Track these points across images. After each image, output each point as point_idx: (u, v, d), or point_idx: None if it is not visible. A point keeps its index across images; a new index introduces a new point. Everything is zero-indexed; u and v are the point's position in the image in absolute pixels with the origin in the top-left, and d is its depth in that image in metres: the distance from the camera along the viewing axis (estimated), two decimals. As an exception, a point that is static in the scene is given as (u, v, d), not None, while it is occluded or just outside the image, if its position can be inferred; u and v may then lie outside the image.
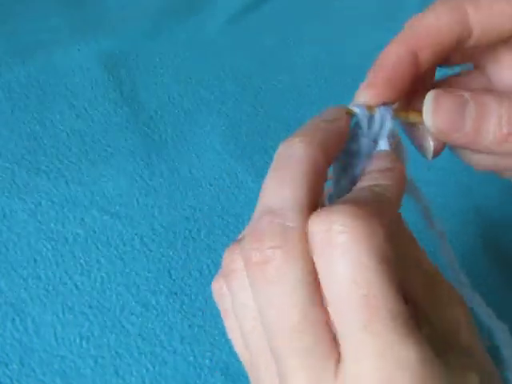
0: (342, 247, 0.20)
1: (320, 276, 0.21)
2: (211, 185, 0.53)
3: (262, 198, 0.23)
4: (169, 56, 0.65)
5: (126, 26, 0.66)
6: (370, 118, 0.27)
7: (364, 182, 0.25)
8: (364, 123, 0.27)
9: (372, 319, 0.20)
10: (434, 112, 0.27)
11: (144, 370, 0.43)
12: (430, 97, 0.27)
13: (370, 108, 0.27)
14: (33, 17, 0.67)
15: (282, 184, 0.23)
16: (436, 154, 0.29)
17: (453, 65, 0.32)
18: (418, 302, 0.24)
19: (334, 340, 0.21)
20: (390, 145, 0.28)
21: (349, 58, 0.65)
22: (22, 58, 0.62)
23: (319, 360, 0.21)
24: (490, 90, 0.31)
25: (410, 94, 0.29)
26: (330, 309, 0.21)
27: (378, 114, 0.27)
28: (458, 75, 0.33)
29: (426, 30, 0.28)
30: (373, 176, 0.25)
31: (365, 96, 0.27)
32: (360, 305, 0.20)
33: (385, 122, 0.27)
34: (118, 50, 0.64)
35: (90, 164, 0.54)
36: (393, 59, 0.28)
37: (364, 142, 0.28)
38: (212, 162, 0.55)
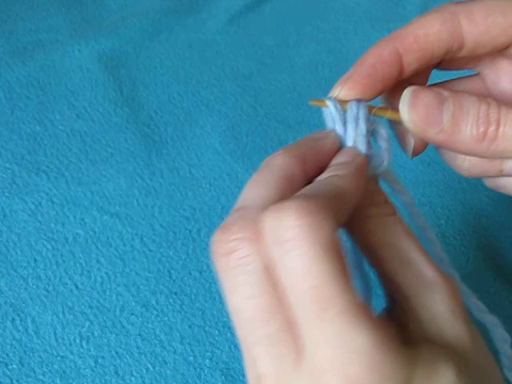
0: (291, 242, 0.21)
1: (276, 269, 0.22)
2: (211, 185, 0.53)
3: (239, 198, 0.25)
4: (169, 56, 0.65)
5: (125, 26, 0.66)
6: (343, 113, 0.27)
7: (323, 175, 0.25)
8: (335, 116, 0.27)
9: (324, 308, 0.20)
10: (410, 106, 0.27)
11: (144, 370, 0.43)
12: (408, 91, 0.27)
13: (342, 102, 0.27)
14: (33, 17, 0.67)
15: (256, 186, 0.24)
16: (416, 152, 0.29)
17: (452, 69, 0.32)
18: (409, 296, 0.25)
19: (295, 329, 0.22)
20: (365, 141, 0.27)
21: (349, 58, 0.65)
22: (21, 58, 0.62)
23: (282, 348, 0.22)
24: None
25: (397, 95, 0.29)
26: (287, 300, 0.22)
27: (350, 108, 0.27)
28: (455, 80, 0.33)
29: (414, 36, 0.28)
30: (331, 168, 0.25)
31: (340, 90, 0.27)
32: (311, 295, 0.21)
33: (359, 118, 0.27)
34: (118, 50, 0.64)
35: (90, 164, 0.54)
36: (375, 58, 0.28)
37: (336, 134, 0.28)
38: (212, 161, 0.55)
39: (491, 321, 0.30)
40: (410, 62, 0.28)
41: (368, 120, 0.27)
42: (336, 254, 0.21)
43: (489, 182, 0.32)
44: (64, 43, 0.64)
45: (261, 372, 0.22)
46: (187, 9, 0.70)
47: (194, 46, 0.66)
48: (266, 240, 0.22)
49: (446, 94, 0.27)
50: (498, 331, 0.29)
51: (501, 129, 0.26)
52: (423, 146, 0.30)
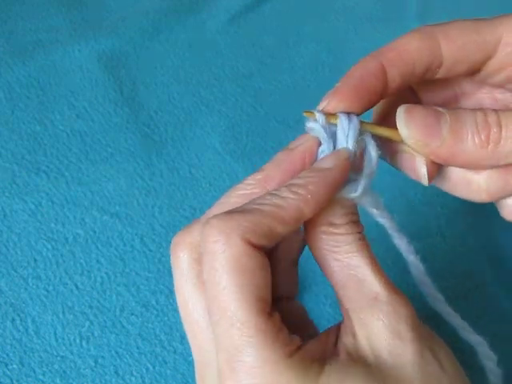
0: (209, 254, 0.24)
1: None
2: (211, 185, 0.53)
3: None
4: (169, 56, 0.65)
5: (125, 26, 0.66)
6: (331, 127, 0.27)
7: (274, 191, 0.26)
8: (322, 130, 0.27)
9: (221, 318, 0.23)
10: (407, 122, 0.27)
11: (144, 370, 0.43)
12: (401, 109, 0.27)
13: (330, 116, 0.27)
14: (33, 17, 0.67)
15: (216, 205, 0.28)
16: (431, 176, 0.29)
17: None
18: (349, 310, 0.26)
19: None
20: (353, 155, 0.27)
21: (349, 58, 0.65)
22: (21, 58, 0.62)
23: (202, 347, 0.26)
24: None
25: (386, 114, 0.30)
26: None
27: (340, 121, 0.27)
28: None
29: (396, 51, 0.29)
30: (284, 188, 0.26)
31: (327, 102, 0.28)
32: (212, 304, 0.24)
33: (349, 133, 0.27)
34: (118, 50, 0.64)
35: (90, 164, 0.54)
36: (361, 70, 0.28)
37: (323, 149, 0.27)
38: (212, 161, 0.55)
39: (476, 340, 0.30)
40: (394, 76, 0.28)
41: (359, 135, 0.27)
42: (242, 273, 0.23)
43: (505, 210, 0.31)
44: (64, 43, 0.64)
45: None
46: (187, 9, 0.70)
47: (194, 46, 0.66)
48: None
49: (440, 108, 0.27)
50: (483, 350, 0.30)
51: (503, 130, 0.27)
52: (436, 169, 0.29)
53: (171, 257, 0.28)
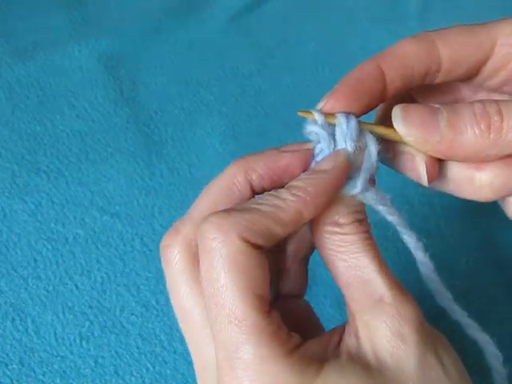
0: (208, 252, 0.24)
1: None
2: (211, 185, 0.53)
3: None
4: (169, 56, 0.65)
5: (125, 26, 0.66)
6: (329, 127, 0.27)
7: (274, 191, 0.26)
8: (321, 129, 0.27)
9: (219, 315, 0.23)
10: (404, 120, 0.27)
11: (144, 370, 0.43)
12: (397, 108, 0.27)
13: (329, 116, 0.27)
14: (33, 17, 0.67)
15: (200, 197, 0.29)
16: (431, 177, 0.29)
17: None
18: (354, 311, 0.25)
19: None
20: (352, 154, 0.27)
21: (349, 58, 0.65)
22: (22, 58, 0.62)
23: (200, 346, 0.27)
24: None
25: (386, 118, 0.30)
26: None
27: (338, 121, 0.27)
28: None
29: (394, 55, 0.29)
30: (284, 188, 0.26)
31: (325, 102, 0.28)
32: (210, 301, 0.24)
33: (348, 132, 0.27)
34: (118, 50, 0.64)
35: (90, 164, 0.54)
36: (359, 72, 0.28)
37: (321, 148, 0.27)
38: (212, 162, 0.55)
39: (483, 339, 0.30)
40: (393, 79, 0.29)
41: (358, 135, 0.27)
42: (238, 269, 0.23)
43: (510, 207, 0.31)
44: (64, 43, 0.64)
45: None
46: (187, 9, 0.70)
47: (194, 46, 0.66)
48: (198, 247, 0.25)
49: (436, 105, 0.27)
50: (490, 349, 0.30)
51: (506, 119, 0.26)
52: (436, 169, 0.29)
53: (162, 259, 0.28)
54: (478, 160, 0.28)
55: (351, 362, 0.24)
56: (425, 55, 0.28)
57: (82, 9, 0.69)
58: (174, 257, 0.27)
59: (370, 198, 0.27)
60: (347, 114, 0.27)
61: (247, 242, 0.23)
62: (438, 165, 0.29)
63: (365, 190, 0.27)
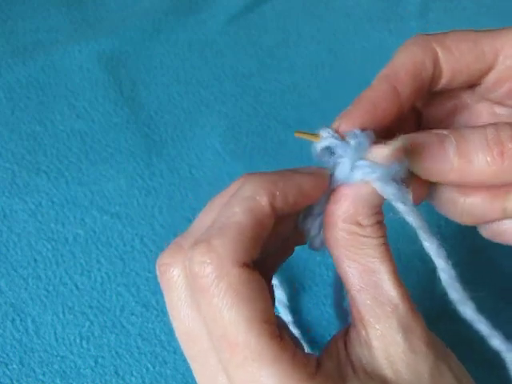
0: (205, 291, 0.22)
1: (198, 303, 0.23)
2: (211, 185, 0.53)
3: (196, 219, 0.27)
4: (169, 56, 0.65)
5: (125, 26, 0.66)
6: (344, 144, 0.26)
7: None
8: (334, 138, 0.26)
9: (233, 354, 0.22)
10: (411, 152, 0.26)
11: (144, 370, 0.43)
12: (401, 139, 0.26)
13: (339, 133, 0.26)
14: (33, 17, 0.67)
15: (210, 210, 0.26)
16: (420, 199, 0.28)
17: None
18: (365, 318, 0.25)
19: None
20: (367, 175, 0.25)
21: (349, 58, 0.65)
22: (22, 58, 0.62)
23: (208, 368, 0.24)
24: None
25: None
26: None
27: (353, 138, 0.26)
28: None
29: (405, 69, 0.28)
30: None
31: (339, 124, 0.27)
32: (221, 343, 0.22)
33: (362, 149, 0.25)
34: (117, 50, 0.64)
35: (90, 164, 0.54)
36: (373, 95, 0.27)
37: (333, 163, 0.26)
38: (212, 162, 0.55)
39: (506, 348, 0.28)
40: (408, 96, 0.28)
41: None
42: (241, 300, 0.22)
43: (486, 231, 0.30)
44: (64, 43, 0.64)
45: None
46: (187, 9, 0.70)
47: (194, 45, 0.66)
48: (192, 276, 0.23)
49: (444, 131, 0.27)
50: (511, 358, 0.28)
51: None
52: (424, 191, 0.29)
53: (162, 279, 0.26)
54: (494, 185, 0.27)
55: (369, 379, 0.23)
56: (431, 65, 0.28)
57: (81, 9, 0.69)
58: (175, 277, 0.25)
59: (390, 193, 0.25)
60: (362, 130, 0.26)
61: (243, 265, 0.22)
62: (427, 187, 0.28)
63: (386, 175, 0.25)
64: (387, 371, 0.24)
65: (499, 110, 0.31)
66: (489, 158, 0.25)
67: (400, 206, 0.26)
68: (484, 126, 0.26)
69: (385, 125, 0.27)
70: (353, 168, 0.25)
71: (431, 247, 0.27)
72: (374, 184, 0.25)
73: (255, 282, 0.22)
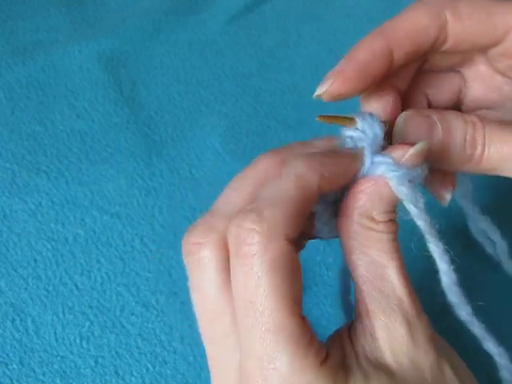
0: (243, 255, 0.22)
1: (231, 277, 0.24)
2: (211, 185, 0.53)
3: (221, 193, 0.27)
4: (169, 56, 0.65)
5: (125, 26, 0.66)
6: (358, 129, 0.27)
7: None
8: (351, 133, 0.27)
9: (254, 324, 0.22)
10: (404, 134, 0.27)
11: (144, 370, 0.43)
12: (401, 119, 0.28)
13: (349, 120, 0.27)
14: (33, 17, 0.67)
15: (230, 192, 0.27)
16: (448, 194, 0.31)
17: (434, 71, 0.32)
18: (371, 310, 0.25)
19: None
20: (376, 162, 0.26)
21: (349, 58, 0.65)
22: (22, 58, 0.62)
23: (223, 349, 0.25)
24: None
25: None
26: (235, 305, 0.24)
27: (361, 123, 0.27)
28: (436, 74, 0.33)
29: (405, 31, 0.28)
30: None
31: (331, 83, 0.27)
32: (247, 309, 0.22)
33: (374, 133, 0.26)
34: (118, 50, 0.64)
35: (90, 164, 0.54)
36: (367, 53, 0.28)
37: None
38: (212, 162, 0.55)
39: (498, 352, 0.29)
40: (400, 58, 0.28)
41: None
42: (281, 275, 0.22)
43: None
44: (64, 43, 0.64)
45: (209, 366, 0.26)
46: (187, 9, 0.70)
47: (194, 45, 0.66)
48: (229, 247, 0.24)
49: (434, 117, 0.27)
50: (503, 362, 0.29)
51: (486, 151, 0.27)
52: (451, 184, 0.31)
53: (190, 258, 0.26)
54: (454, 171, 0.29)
55: (373, 368, 0.24)
56: (434, 30, 0.27)
57: (81, 9, 0.69)
58: (207, 257, 0.25)
59: (404, 194, 0.26)
60: (370, 114, 0.27)
61: (289, 240, 0.22)
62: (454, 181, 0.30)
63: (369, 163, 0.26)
64: (391, 363, 0.24)
65: (499, 77, 0.31)
66: (462, 155, 0.28)
67: (411, 208, 0.26)
68: (466, 123, 0.28)
69: (372, 85, 0.28)
70: (374, 162, 0.26)
71: (436, 251, 0.28)
72: (390, 182, 0.26)
73: (295, 259, 0.23)
